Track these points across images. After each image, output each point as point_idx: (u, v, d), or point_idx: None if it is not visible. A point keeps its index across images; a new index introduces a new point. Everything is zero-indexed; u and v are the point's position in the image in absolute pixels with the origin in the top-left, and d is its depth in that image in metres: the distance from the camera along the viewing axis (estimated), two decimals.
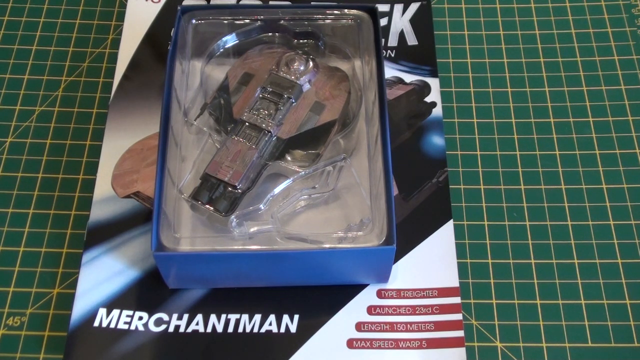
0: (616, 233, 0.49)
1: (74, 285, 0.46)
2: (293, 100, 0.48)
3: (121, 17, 0.58)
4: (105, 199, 0.49)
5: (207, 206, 0.45)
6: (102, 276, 0.46)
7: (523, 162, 0.51)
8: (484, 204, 0.50)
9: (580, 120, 0.53)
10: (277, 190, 0.47)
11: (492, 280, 0.47)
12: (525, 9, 0.58)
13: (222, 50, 0.53)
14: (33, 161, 0.52)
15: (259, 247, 0.45)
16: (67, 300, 0.46)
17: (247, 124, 0.47)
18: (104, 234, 0.48)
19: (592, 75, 0.55)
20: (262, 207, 0.46)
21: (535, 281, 0.47)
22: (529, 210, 0.50)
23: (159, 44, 0.56)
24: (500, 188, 0.50)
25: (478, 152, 0.52)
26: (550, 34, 0.57)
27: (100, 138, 0.52)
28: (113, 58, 0.56)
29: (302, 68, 0.49)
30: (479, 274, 0.47)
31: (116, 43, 0.56)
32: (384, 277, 0.46)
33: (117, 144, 0.51)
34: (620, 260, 0.48)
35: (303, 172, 0.47)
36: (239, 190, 0.45)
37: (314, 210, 0.47)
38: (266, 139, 0.47)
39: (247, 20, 0.53)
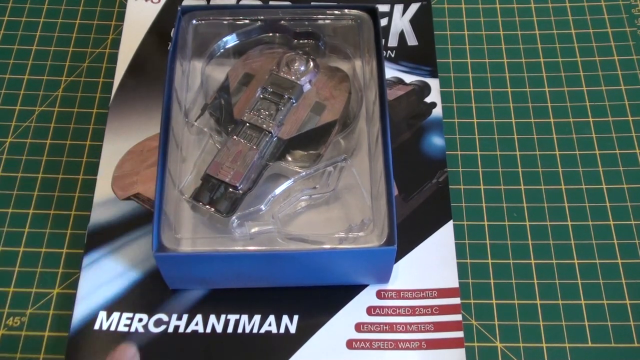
0: (616, 233, 0.49)
1: (74, 285, 0.47)
2: (294, 101, 0.48)
3: (121, 17, 0.58)
4: (106, 201, 0.49)
5: (208, 207, 0.45)
6: (102, 279, 0.46)
7: (523, 162, 0.51)
8: (484, 204, 0.50)
9: (580, 120, 0.53)
10: (278, 190, 0.47)
11: (492, 280, 0.47)
12: (525, 9, 0.58)
13: (222, 50, 0.53)
14: (33, 161, 0.52)
15: (260, 247, 0.45)
16: (67, 301, 0.46)
17: (247, 124, 0.47)
18: (105, 236, 0.48)
19: (592, 75, 0.55)
20: (263, 208, 0.46)
21: (535, 281, 0.47)
22: (529, 210, 0.50)
23: (159, 45, 0.56)
24: (500, 188, 0.50)
25: (478, 152, 0.52)
26: (550, 34, 0.57)
27: (100, 138, 0.52)
28: (113, 58, 0.56)
29: (302, 68, 0.49)
30: (479, 274, 0.47)
31: (116, 43, 0.56)
32: (385, 277, 0.46)
33: (117, 146, 0.51)
34: (620, 260, 0.48)
35: (304, 173, 0.47)
36: (240, 191, 0.45)
37: (314, 211, 0.47)
38: (267, 139, 0.47)
39: (247, 21, 0.53)
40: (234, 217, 0.45)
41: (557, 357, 0.45)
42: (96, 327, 0.45)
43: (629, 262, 0.48)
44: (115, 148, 0.51)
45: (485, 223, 0.49)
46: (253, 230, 0.45)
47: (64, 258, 0.48)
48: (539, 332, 0.45)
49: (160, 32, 0.56)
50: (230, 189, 0.45)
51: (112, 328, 0.45)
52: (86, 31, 0.57)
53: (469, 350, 0.45)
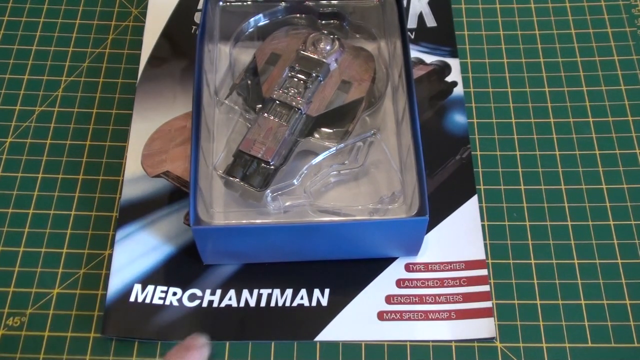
0: (616, 233, 0.49)
1: (74, 285, 0.47)
2: (321, 79, 0.49)
3: (121, 17, 0.58)
4: (136, 178, 0.50)
5: (242, 182, 0.45)
6: (135, 253, 0.47)
7: (523, 162, 0.51)
8: (484, 204, 0.50)
9: (580, 120, 0.53)
10: (308, 166, 0.47)
11: (492, 281, 0.47)
12: (525, 9, 0.58)
13: (248, 32, 0.54)
14: (33, 161, 0.52)
15: (294, 219, 0.46)
16: (67, 301, 0.46)
17: (277, 102, 0.48)
18: (136, 212, 0.49)
19: (592, 75, 0.55)
20: (295, 183, 0.47)
21: (535, 281, 0.47)
22: (529, 210, 0.50)
23: (184, 27, 0.56)
24: (500, 188, 0.50)
25: (478, 153, 0.52)
26: (550, 34, 0.57)
27: (100, 138, 0.52)
28: (113, 58, 0.56)
29: (328, 48, 0.50)
30: None
31: (116, 43, 0.56)
32: (415, 249, 0.47)
33: (145, 125, 0.52)
34: (620, 260, 0.48)
35: (334, 149, 0.48)
36: (272, 166, 0.46)
37: (344, 186, 0.48)
38: (296, 116, 0.47)
39: (273, 2, 0.53)
40: (268, 192, 0.46)
41: (557, 357, 0.45)
42: (132, 299, 0.46)
43: (629, 262, 0.48)
44: (143, 127, 0.52)
45: (486, 223, 0.49)
46: (286, 203, 0.46)
47: (63, 258, 0.48)
48: (539, 332, 0.45)
49: (185, 13, 0.57)
50: (263, 165, 0.46)
51: (147, 300, 0.46)
52: (86, 31, 0.57)
53: (468, 351, 0.45)
